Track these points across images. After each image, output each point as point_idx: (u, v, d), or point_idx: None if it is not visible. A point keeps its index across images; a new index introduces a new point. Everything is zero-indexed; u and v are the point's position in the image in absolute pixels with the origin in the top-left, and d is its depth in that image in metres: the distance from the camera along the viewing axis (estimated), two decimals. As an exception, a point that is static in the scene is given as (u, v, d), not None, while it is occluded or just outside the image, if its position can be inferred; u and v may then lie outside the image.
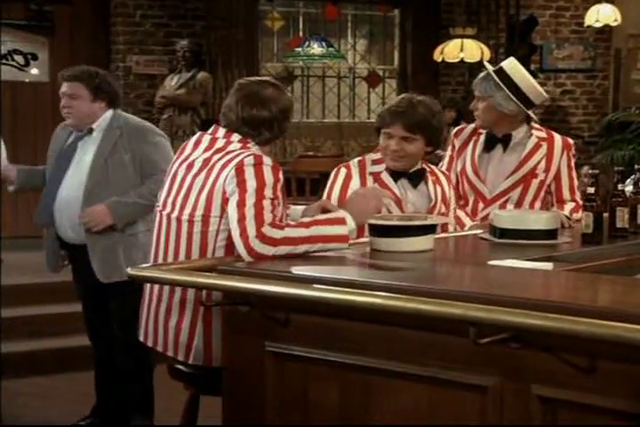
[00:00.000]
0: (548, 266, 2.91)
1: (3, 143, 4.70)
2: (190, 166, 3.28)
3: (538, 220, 3.41)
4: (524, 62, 9.48)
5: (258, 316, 2.78)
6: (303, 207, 3.46)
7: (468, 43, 9.15)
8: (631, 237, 3.52)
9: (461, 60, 9.31)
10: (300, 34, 9.88)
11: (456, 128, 4.30)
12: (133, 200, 4.22)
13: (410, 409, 2.52)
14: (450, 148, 4.22)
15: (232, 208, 3.07)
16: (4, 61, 8.33)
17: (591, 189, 3.40)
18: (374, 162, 3.73)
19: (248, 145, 3.28)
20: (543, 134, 4.10)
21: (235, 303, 2.83)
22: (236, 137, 3.29)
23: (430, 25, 9.82)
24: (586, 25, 9.45)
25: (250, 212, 3.01)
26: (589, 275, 2.91)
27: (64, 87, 4.37)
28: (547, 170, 4.05)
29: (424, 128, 3.60)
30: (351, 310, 2.52)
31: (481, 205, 4.08)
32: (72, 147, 4.38)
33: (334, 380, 2.66)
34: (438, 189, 3.77)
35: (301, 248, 3.00)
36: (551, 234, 3.40)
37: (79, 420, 4.70)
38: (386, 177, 3.70)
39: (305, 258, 3.02)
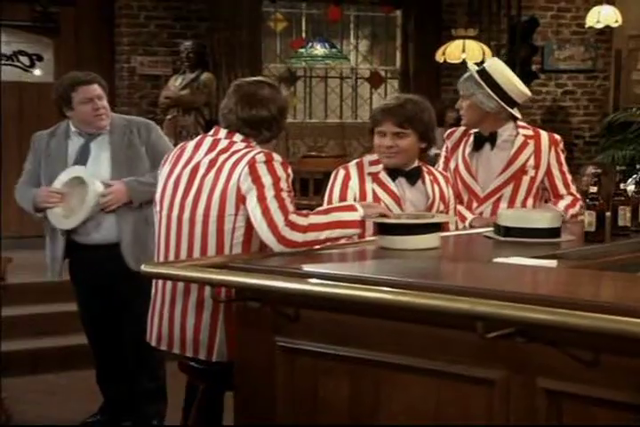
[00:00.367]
0: (553, 263, 2.96)
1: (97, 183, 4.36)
2: (196, 169, 3.32)
3: (541, 219, 3.47)
4: (526, 63, 9.61)
5: (268, 311, 2.83)
6: None
7: (470, 44, 9.18)
8: (633, 236, 3.58)
9: (463, 61, 9.34)
10: (303, 35, 9.91)
11: (448, 130, 4.43)
12: (150, 181, 4.21)
13: (418, 402, 2.57)
14: (444, 149, 4.34)
15: (253, 204, 3.14)
16: (9, 62, 8.39)
17: (594, 189, 3.46)
18: (372, 163, 3.79)
19: (251, 144, 3.34)
20: (530, 132, 4.20)
21: (246, 299, 2.88)
22: (238, 137, 3.35)
23: (432, 26, 9.83)
24: (587, 26, 9.46)
25: (273, 204, 3.11)
26: (593, 271, 2.97)
27: (97, 90, 4.38)
28: (536, 167, 4.14)
29: (414, 123, 3.68)
30: (360, 305, 2.57)
31: (474, 203, 4.17)
32: (86, 148, 4.42)
33: (344, 374, 2.71)
34: (436, 187, 3.83)
35: (324, 234, 3.13)
36: (554, 232, 3.46)
37: (87, 417, 4.76)
38: (384, 177, 3.76)
39: (314, 256, 3.09)
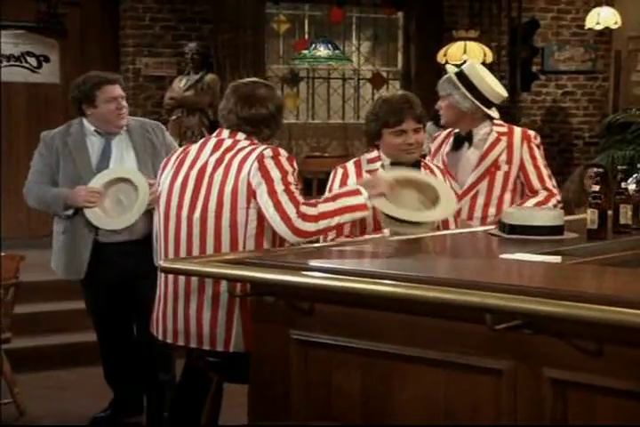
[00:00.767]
0: (557, 259, 3.05)
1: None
2: (203, 168, 3.43)
3: (545, 217, 3.56)
4: (526, 64, 9.69)
5: (283, 305, 2.91)
6: None
7: (471, 45, 9.24)
8: (634, 233, 3.64)
9: (464, 62, 9.41)
10: (306, 36, 9.96)
11: (434, 134, 4.60)
12: None
13: (429, 392, 2.66)
14: (427, 151, 4.49)
15: (264, 198, 3.26)
16: (17, 63, 8.48)
17: (596, 187, 3.54)
18: (369, 161, 3.89)
19: (254, 142, 3.47)
20: (503, 129, 4.32)
21: (261, 294, 2.97)
22: (241, 135, 3.48)
23: (433, 27, 9.86)
24: (586, 27, 9.51)
25: (283, 197, 3.24)
26: (596, 267, 3.05)
27: (120, 90, 4.48)
28: (509, 162, 4.25)
29: (424, 115, 3.84)
30: (373, 299, 2.65)
31: None
32: (107, 147, 4.49)
33: (357, 366, 2.79)
34: None
35: (334, 220, 3.26)
36: (558, 230, 3.54)
37: (98, 412, 4.82)
38: (383, 173, 3.86)
39: (327, 252, 3.19)
